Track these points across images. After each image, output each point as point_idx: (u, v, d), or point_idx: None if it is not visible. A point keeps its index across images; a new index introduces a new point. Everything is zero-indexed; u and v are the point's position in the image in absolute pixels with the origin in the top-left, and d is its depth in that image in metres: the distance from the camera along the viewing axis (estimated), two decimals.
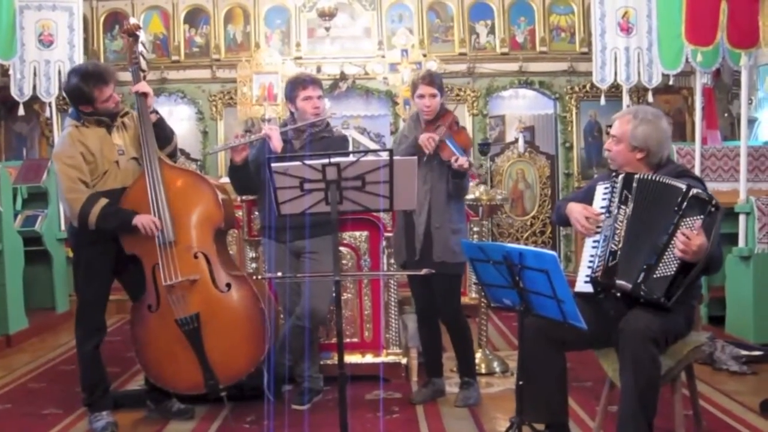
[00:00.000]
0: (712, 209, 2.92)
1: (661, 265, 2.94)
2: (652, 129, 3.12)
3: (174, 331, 3.74)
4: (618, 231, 3.05)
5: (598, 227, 3.12)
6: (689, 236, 2.85)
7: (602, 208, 3.14)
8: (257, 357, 3.80)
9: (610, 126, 3.33)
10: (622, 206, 3.06)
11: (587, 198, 3.25)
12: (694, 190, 2.94)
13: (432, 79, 3.96)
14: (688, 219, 2.92)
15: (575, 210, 3.20)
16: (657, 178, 3.04)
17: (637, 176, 3.07)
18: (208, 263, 3.81)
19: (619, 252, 3.02)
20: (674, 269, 2.92)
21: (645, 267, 2.95)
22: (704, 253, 2.87)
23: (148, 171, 3.75)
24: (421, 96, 3.97)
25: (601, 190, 3.18)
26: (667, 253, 2.93)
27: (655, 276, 2.94)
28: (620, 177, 3.10)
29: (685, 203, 2.93)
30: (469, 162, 3.83)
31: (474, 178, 4.74)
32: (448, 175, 3.92)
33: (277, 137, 3.93)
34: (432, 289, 4.04)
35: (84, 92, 3.64)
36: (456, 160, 3.78)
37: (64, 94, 3.89)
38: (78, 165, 3.65)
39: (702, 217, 2.91)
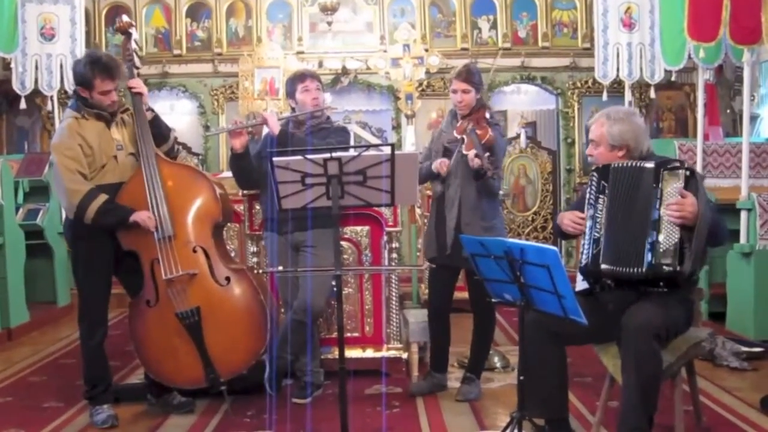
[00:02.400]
0: (687, 173, 2.99)
1: (662, 238, 2.98)
2: (626, 126, 3.19)
3: (174, 325, 3.74)
4: (599, 219, 3.11)
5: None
6: (679, 201, 2.92)
7: (588, 205, 3.20)
8: (257, 350, 3.81)
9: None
10: (601, 196, 3.13)
11: (581, 206, 3.29)
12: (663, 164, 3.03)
13: (466, 76, 4.00)
14: (669, 189, 2.99)
15: (565, 216, 3.28)
16: (630, 164, 3.10)
17: (612, 166, 3.13)
18: (207, 257, 3.81)
19: (601, 238, 3.08)
20: (677, 237, 2.96)
21: (649, 245, 2.98)
22: (701, 213, 2.91)
23: (145, 167, 3.74)
24: (455, 91, 4.03)
25: (587, 192, 3.24)
26: (664, 227, 2.98)
27: (661, 250, 2.97)
28: (597, 170, 3.18)
29: (660, 177, 3.00)
30: (484, 160, 3.70)
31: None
32: None
33: (274, 121, 3.98)
34: (451, 286, 4.10)
35: (86, 77, 3.63)
36: (472, 159, 3.74)
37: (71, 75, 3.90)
38: (77, 157, 3.64)
39: (681, 184, 2.97)
